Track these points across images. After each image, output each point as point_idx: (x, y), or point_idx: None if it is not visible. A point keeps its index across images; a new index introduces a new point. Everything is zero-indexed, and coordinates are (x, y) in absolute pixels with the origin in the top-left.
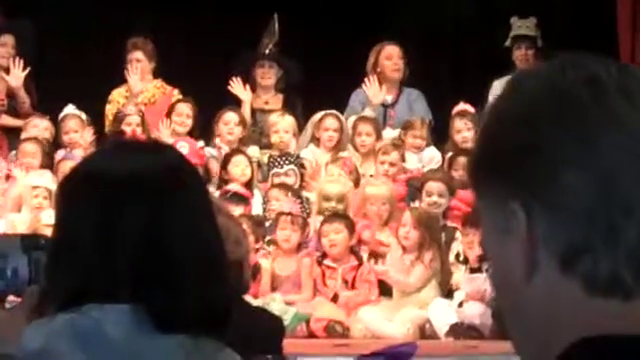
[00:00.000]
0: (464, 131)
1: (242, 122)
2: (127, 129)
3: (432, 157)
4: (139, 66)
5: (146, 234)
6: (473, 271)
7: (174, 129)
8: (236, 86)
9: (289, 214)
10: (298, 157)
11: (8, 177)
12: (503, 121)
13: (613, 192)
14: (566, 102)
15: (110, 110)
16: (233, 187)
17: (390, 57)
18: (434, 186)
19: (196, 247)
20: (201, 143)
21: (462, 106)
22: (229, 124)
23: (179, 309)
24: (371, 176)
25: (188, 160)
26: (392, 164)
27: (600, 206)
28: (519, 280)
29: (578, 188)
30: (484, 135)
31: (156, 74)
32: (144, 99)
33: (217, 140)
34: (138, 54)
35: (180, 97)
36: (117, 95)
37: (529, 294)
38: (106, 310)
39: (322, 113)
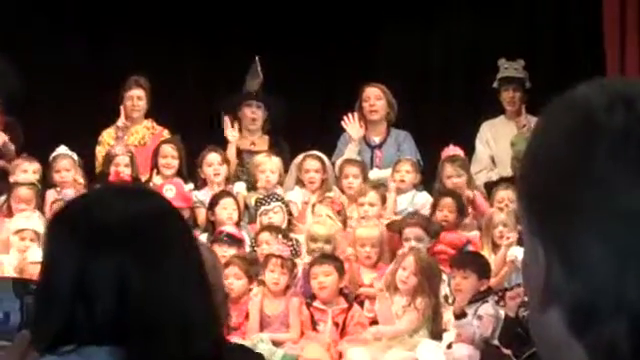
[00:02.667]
0: (454, 177)
1: (225, 161)
2: (115, 169)
3: (424, 203)
4: (140, 104)
5: (125, 283)
6: (458, 317)
7: (161, 171)
8: (227, 125)
9: (279, 257)
10: (283, 199)
11: None
12: (534, 161)
13: (630, 269)
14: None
15: (100, 152)
16: (227, 229)
17: (367, 99)
18: (410, 232)
19: (178, 299)
20: (190, 186)
21: (452, 149)
22: (213, 164)
23: (160, 356)
24: (362, 218)
25: (174, 208)
26: (371, 204)
27: (613, 278)
28: (537, 304)
29: (596, 256)
30: (525, 159)
31: (147, 114)
32: (134, 141)
33: (207, 186)
34: (139, 92)
35: (165, 138)
36: (107, 136)
37: (543, 321)
38: (87, 353)
39: (304, 154)
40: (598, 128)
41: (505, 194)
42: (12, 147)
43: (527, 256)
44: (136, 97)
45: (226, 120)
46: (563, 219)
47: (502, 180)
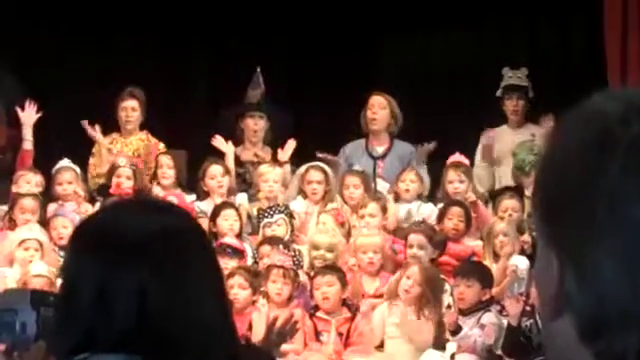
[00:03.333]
0: (456, 182)
1: (227, 172)
2: (117, 180)
3: (429, 214)
4: (134, 115)
5: (145, 297)
6: (453, 333)
7: (160, 182)
8: (218, 140)
9: (281, 267)
10: (287, 207)
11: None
12: (549, 172)
13: None
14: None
15: (93, 163)
16: (228, 241)
17: (371, 107)
18: (414, 238)
19: (197, 314)
20: (192, 197)
21: (457, 157)
22: (216, 177)
23: None
24: (363, 228)
25: (196, 222)
26: (372, 215)
27: (624, 291)
28: (549, 312)
29: (607, 269)
30: (541, 170)
31: (142, 126)
32: (128, 152)
33: (213, 194)
34: (133, 103)
35: (164, 150)
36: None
37: (554, 328)
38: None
39: (307, 165)
40: (613, 140)
41: (509, 203)
42: (31, 140)
43: (540, 265)
44: (130, 108)
45: (218, 138)
46: (577, 231)
47: (507, 189)
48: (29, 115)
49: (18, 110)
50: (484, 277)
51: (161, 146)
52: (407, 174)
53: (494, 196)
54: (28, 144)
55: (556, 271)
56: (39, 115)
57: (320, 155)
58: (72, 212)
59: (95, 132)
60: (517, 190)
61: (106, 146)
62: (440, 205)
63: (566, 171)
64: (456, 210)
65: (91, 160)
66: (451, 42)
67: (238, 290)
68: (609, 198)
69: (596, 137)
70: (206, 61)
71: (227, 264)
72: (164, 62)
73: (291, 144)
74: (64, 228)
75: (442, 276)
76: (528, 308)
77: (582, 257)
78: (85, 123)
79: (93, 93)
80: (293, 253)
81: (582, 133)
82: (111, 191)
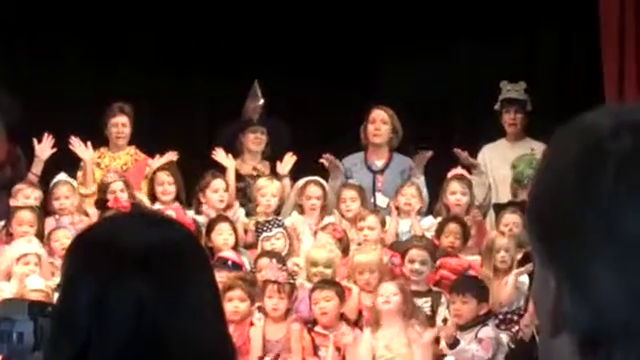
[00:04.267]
0: (459, 194)
1: (228, 188)
2: (114, 196)
3: (429, 226)
4: (125, 131)
5: (143, 310)
6: (451, 346)
7: (159, 198)
8: (219, 154)
9: (275, 282)
10: (284, 224)
11: None
12: (543, 188)
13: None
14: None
15: (79, 182)
16: (226, 254)
17: (373, 121)
18: (417, 254)
19: (195, 330)
20: (190, 212)
21: (459, 170)
22: (219, 191)
23: None
24: (359, 244)
25: (193, 236)
26: (370, 228)
27: (623, 306)
28: (548, 328)
29: (605, 284)
30: (534, 186)
31: (131, 141)
32: (116, 166)
33: (204, 207)
34: (123, 119)
35: (161, 165)
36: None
37: (553, 345)
38: None
39: (305, 180)
40: (605, 155)
41: (512, 218)
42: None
43: (537, 282)
44: (121, 124)
45: (220, 151)
46: (572, 247)
47: (510, 204)
48: (44, 149)
49: (35, 142)
50: (480, 292)
51: (150, 161)
52: (408, 189)
53: (497, 210)
54: (34, 178)
55: (553, 288)
56: (54, 151)
57: (323, 158)
58: (71, 225)
59: (87, 149)
60: (519, 205)
61: (95, 162)
62: (439, 218)
63: (559, 187)
64: (453, 227)
65: (79, 173)
66: (450, 56)
67: (238, 303)
68: (603, 212)
69: (588, 152)
70: (204, 72)
71: (223, 278)
72: (164, 77)
73: (290, 158)
74: (67, 239)
75: (438, 289)
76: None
77: (580, 272)
78: (74, 140)
79: (88, 108)
80: (285, 267)
81: (574, 148)
82: (109, 205)
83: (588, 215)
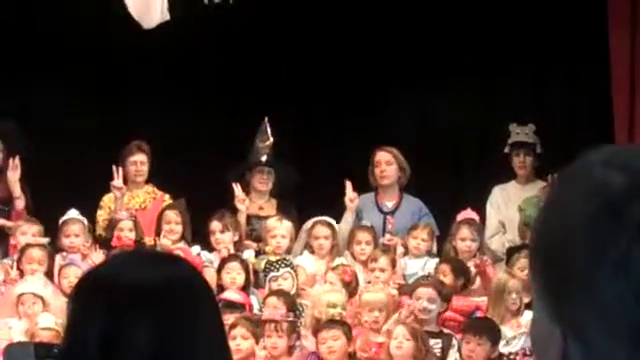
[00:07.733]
0: (469, 240)
1: (235, 226)
2: (118, 234)
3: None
4: (143, 169)
5: (151, 348)
6: None
7: (165, 236)
8: (237, 190)
9: (272, 321)
10: (292, 264)
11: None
12: (550, 240)
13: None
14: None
15: (101, 216)
16: (227, 296)
17: (378, 164)
18: (424, 291)
19: None
20: (197, 249)
21: (469, 213)
22: (215, 233)
23: None
24: (368, 282)
25: (199, 273)
26: (382, 269)
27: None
28: None
29: (608, 344)
30: (539, 241)
31: (148, 179)
32: (135, 205)
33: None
34: (142, 157)
35: (168, 203)
36: (108, 200)
37: None
38: None
39: (313, 220)
40: (620, 219)
41: (525, 262)
42: (23, 198)
43: (541, 332)
44: (139, 162)
45: (236, 187)
46: (581, 303)
47: (524, 246)
48: (12, 174)
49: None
50: (494, 334)
51: (167, 197)
52: (421, 231)
53: (511, 253)
54: (20, 203)
55: (559, 346)
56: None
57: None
58: (80, 261)
59: (120, 183)
60: None
61: (111, 200)
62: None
63: (571, 242)
64: (442, 267)
65: (99, 212)
66: (458, 97)
67: (241, 341)
68: (618, 274)
69: (604, 213)
70: (215, 114)
71: (228, 319)
72: (173, 114)
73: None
74: (76, 278)
75: (448, 331)
76: None
77: (584, 328)
78: (116, 170)
79: (103, 145)
80: (294, 308)
81: (587, 207)
82: (113, 244)
83: (599, 277)
